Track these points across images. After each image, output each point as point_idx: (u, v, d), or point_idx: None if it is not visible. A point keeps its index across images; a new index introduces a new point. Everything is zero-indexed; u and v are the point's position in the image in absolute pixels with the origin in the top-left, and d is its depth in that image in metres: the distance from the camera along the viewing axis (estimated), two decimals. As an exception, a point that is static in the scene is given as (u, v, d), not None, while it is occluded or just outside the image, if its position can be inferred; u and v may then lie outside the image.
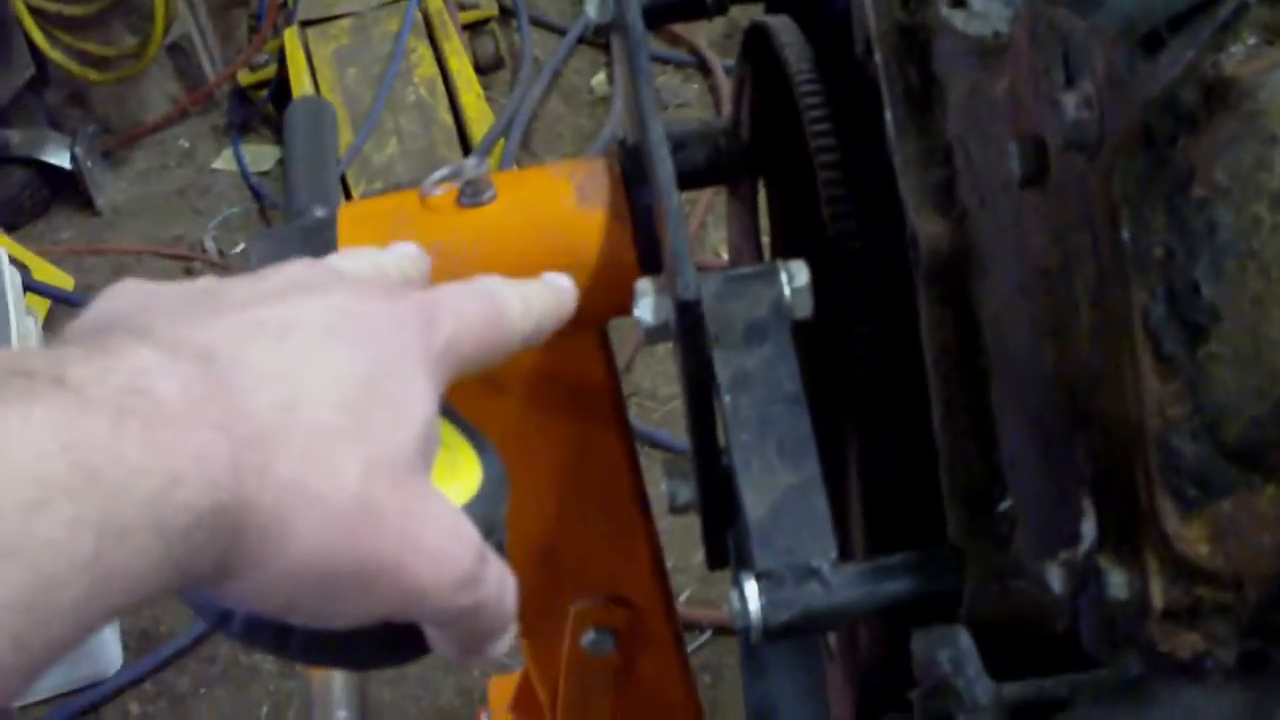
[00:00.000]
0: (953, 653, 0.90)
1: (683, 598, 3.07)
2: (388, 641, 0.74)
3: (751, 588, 0.87)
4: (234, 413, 0.63)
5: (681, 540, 2.88)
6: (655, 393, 3.51)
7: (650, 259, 1.10)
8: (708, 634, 3.05)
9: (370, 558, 0.67)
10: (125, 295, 0.70)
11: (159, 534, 0.59)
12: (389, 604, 0.69)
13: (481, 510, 0.76)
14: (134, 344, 0.62)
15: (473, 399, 1.20)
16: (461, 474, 0.78)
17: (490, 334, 0.78)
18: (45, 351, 0.61)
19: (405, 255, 0.85)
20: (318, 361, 0.67)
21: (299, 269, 0.74)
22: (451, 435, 0.80)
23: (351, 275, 0.76)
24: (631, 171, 1.11)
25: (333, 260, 0.77)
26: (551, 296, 0.85)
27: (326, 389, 0.66)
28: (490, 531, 0.75)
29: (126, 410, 0.59)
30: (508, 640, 0.78)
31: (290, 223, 1.14)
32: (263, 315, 0.68)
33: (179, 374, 0.62)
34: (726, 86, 4.30)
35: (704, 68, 4.48)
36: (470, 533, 0.72)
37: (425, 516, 0.69)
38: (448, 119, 4.22)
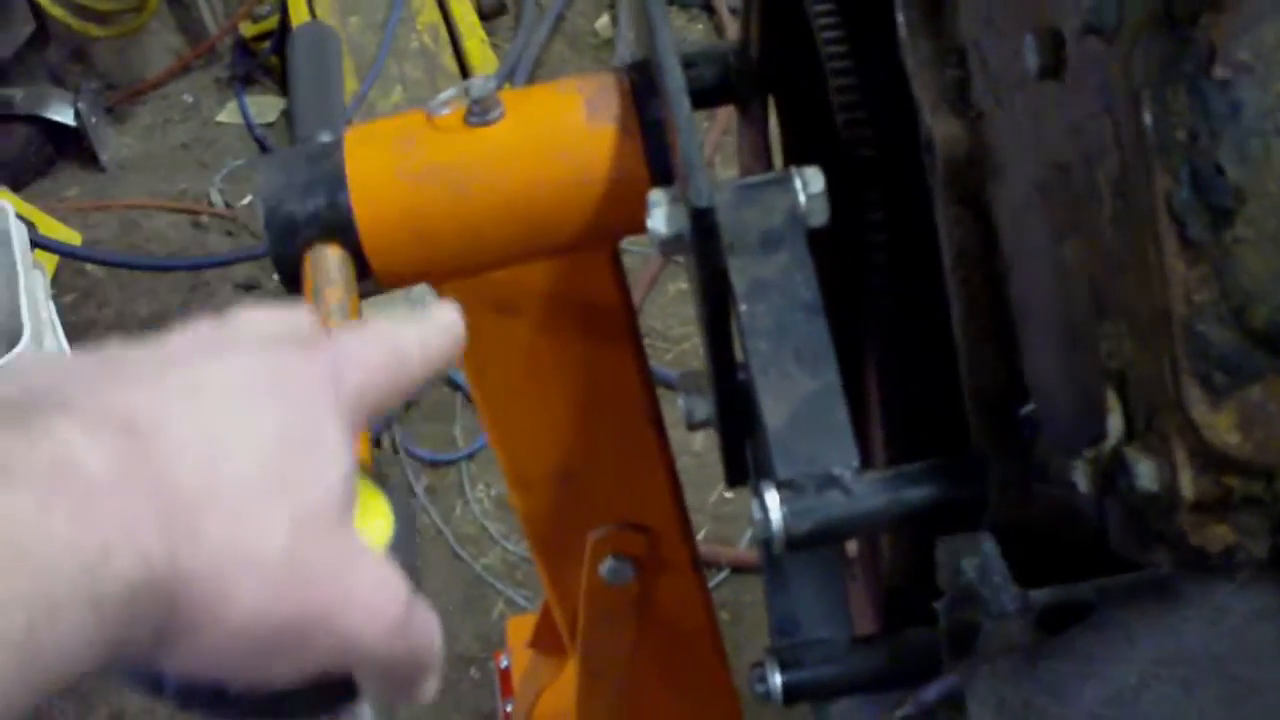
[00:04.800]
0: (978, 560, 0.89)
1: (700, 536, 3.06)
2: (322, 693, 0.74)
3: (772, 497, 0.86)
4: (159, 480, 0.63)
5: (697, 479, 2.87)
6: (667, 333, 3.50)
7: (662, 175, 1.08)
8: (726, 572, 3.04)
9: (304, 614, 0.67)
10: (35, 372, 0.69)
11: (93, 608, 0.59)
12: (324, 657, 0.69)
13: (400, 552, 0.76)
14: (55, 419, 0.62)
15: (486, 321, 1.19)
16: (372, 516, 0.79)
17: (393, 379, 0.78)
18: None
19: (300, 313, 0.85)
20: (234, 420, 0.67)
21: (204, 330, 0.74)
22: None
23: (254, 332, 0.75)
24: (641, 86, 1.09)
25: (235, 317, 0.77)
26: (445, 334, 0.84)
27: (246, 447, 0.66)
28: (410, 571, 0.76)
29: (53, 487, 0.59)
30: (435, 679, 0.78)
31: (297, 147, 1.13)
32: (176, 380, 0.68)
33: (103, 447, 0.62)
34: (732, 27, 4.27)
35: (709, 8, 4.45)
36: (397, 579, 0.72)
37: (354, 568, 0.69)
38: (451, 65, 4.19)
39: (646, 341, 3.64)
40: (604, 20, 4.49)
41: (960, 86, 0.93)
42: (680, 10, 4.48)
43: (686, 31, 4.42)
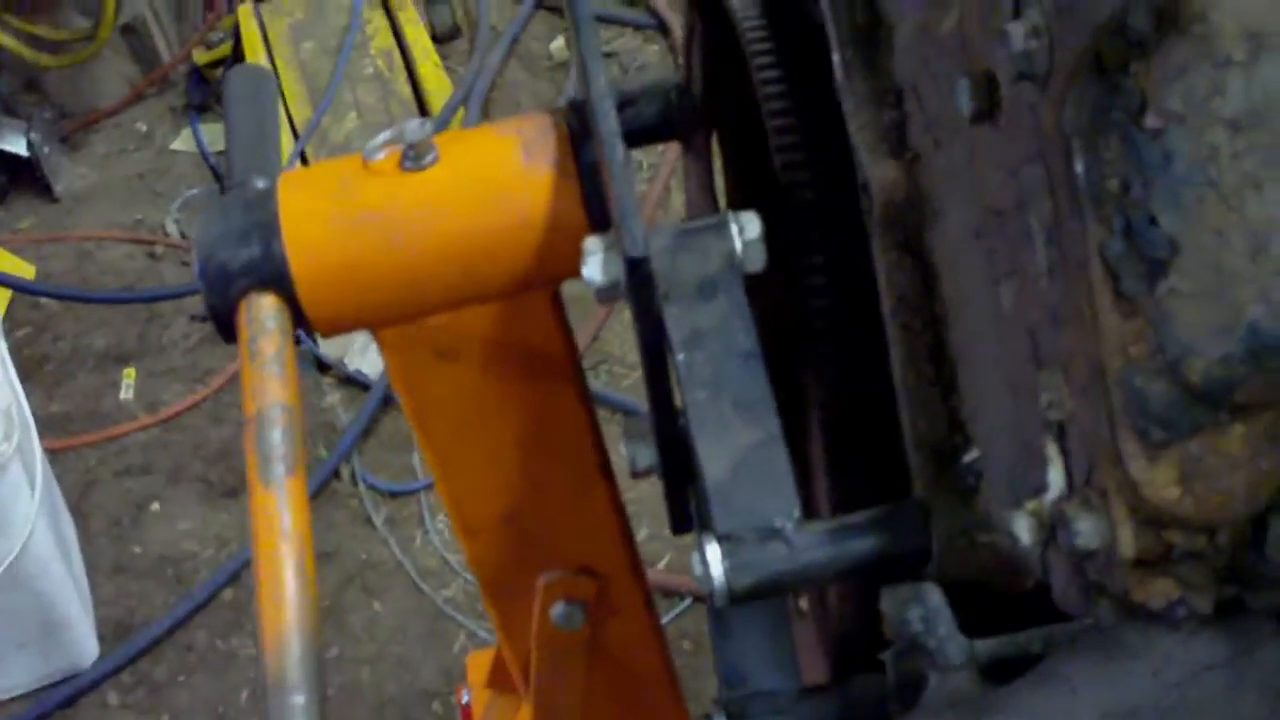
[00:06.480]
0: (923, 611, 0.88)
1: (660, 565, 3.04)
2: None
3: (714, 551, 0.85)
4: None
5: (657, 507, 2.84)
6: (625, 359, 3.48)
7: (601, 218, 1.07)
8: (688, 601, 3.02)
9: None
10: None
11: None
12: None
13: None
14: None
15: (426, 367, 1.17)
16: None
17: None
18: None
19: None
20: None
21: None
22: None
23: None
24: (579, 128, 1.08)
25: None
26: None
27: None
28: None
29: None
30: None
31: (231, 194, 1.11)
32: None
33: None
34: (687, 48, 4.25)
35: (663, 29, 4.44)
36: None
37: None
38: (406, 90, 4.18)
39: (605, 368, 3.61)
40: (558, 43, 4.48)
41: (898, 128, 0.91)
42: (635, 32, 4.47)
43: (640, 53, 4.41)
